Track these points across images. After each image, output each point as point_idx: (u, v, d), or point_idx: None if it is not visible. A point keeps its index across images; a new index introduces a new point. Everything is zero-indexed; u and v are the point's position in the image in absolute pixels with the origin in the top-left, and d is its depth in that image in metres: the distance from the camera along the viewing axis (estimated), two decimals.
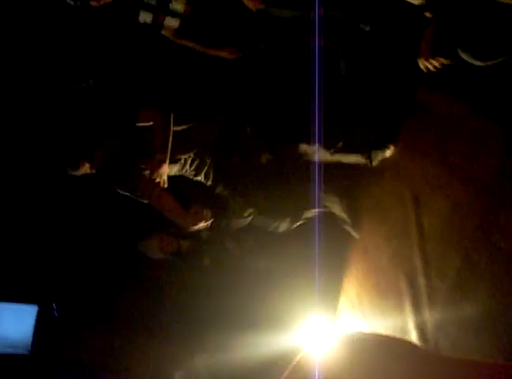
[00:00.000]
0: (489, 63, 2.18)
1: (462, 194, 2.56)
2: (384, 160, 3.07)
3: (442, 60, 2.30)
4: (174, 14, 2.93)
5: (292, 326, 3.52)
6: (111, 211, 3.63)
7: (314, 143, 2.92)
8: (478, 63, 2.20)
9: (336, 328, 3.53)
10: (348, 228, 3.34)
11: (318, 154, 2.99)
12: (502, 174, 2.33)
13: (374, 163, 3.05)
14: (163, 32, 3.00)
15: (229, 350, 3.50)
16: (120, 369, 3.82)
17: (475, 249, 2.46)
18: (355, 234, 3.34)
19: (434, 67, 2.34)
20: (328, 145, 3.02)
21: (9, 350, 3.85)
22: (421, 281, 2.81)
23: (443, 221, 2.68)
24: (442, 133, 2.74)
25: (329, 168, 3.08)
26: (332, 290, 3.54)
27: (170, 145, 2.82)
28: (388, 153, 3.01)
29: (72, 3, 2.77)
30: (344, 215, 3.30)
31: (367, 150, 3.04)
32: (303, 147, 3.05)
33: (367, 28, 3.00)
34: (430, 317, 2.69)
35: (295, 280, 3.60)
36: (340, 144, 3.06)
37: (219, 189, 3.09)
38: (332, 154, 3.07)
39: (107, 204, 3.58)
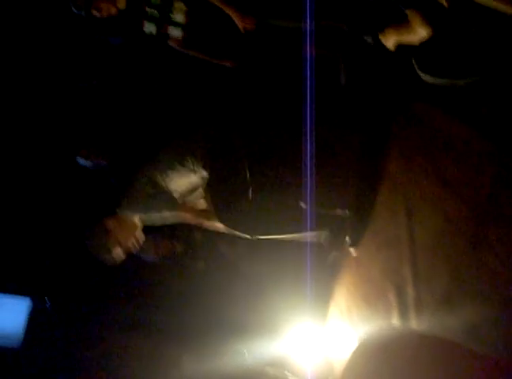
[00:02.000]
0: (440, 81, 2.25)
1: (454, 210, 2.59)
2: (379, 172, 3.09)
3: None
4: (175, 24, 2.99)
5: (281, 332, 3.54)
6: (107, 209, 3.65)
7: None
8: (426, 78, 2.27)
9: (324, 335, 3.56)
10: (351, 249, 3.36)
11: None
12: (494, 192, 2.36)
13: None
14: (169, 43, 3.06)
15: (218, 354, 3.51)
16: (110, 366, 3.83)
17: (463, 265, 2.48)
18: (353, 252, 3.35)
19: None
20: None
21: (0, 342, 3.87)
22: (410, 293, 2.83)
23: (434, 235, 2.70)
24: (438, 148, 2.76)
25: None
26: (322, 299, 3.56)
27: None
28: None
29: (77, 12, 2.81)
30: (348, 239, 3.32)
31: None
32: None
33: (370, 40, 3.03)
34: (416, 328, 2.71)
35: (285, 286, 3.62)
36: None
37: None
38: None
39: (102, 201, 3.59)
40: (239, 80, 3.37)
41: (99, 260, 2.96)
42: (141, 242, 3.00)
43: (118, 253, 2.94)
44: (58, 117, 3.46)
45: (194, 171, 2.97)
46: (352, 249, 3.33)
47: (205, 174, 2.99)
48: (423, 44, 2.29)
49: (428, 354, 1.11)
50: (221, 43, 3.13)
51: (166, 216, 3.02)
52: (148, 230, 3.46)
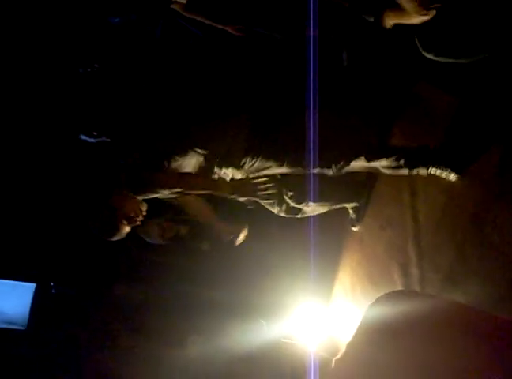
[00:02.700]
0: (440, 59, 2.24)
1: (458, 188, 2.60)
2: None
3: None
4: None
5: (285, 312, 3.58)
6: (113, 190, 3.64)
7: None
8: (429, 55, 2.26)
9: (328, 313, 3.59)
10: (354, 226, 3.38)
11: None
12: (499, 170, 2.37)
13: None
14: (173, 6, 3.01)
15: (222, 335, 3.55)
16: (115, 349, 3.88)
17: (468, 243, 2.50)
18: (355, 229, 3.38)
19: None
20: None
21: (6, 326, 3.92)
22: (414, 272, 2.86)
23: (438, 214, 2.72)
24: (441, 127, 2.76)
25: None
26: (326, 278, 3.59)
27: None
28: None
29: None
30: (353, 215, 3.34)
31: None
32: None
33: (371, 19, 3.00)
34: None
35: (290, 265, 3.65)
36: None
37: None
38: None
39: (108, 185, 3.59)
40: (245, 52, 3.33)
41: (104, 239, 2.96)
42: (145, 212, 3.01)
43: (126, 229, 2.94)
44: (62, 97, 3.43)
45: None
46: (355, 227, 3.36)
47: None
48: (426, 23, 2.27)
49: (436, 322, 1.12)
50: (226, 7, 3.08)
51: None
52: (152, 213, 3.48)
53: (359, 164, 2.84)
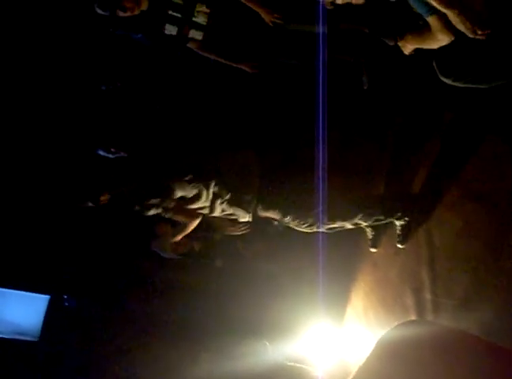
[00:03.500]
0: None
1: (474, 213, 2.59)
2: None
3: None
4: (197, 27, 3.01)
5: (298, 332, 3.55)
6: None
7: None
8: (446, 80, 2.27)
9: (340, 336, 3.56)
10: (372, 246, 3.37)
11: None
12: None
13: None
14: (189, 45, 3.08)
15: (233, 354, 3.53)
16: (125, 362, 3.87)
17: (482, 270, 2.48)
18: (373, 250, 3.36)
19: None
20: None
21: (19, 337, 3.94)
22: (427, 297, 2.83)
23: (453, 239, 2.70)
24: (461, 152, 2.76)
25: None
26: (339, 300, 3.57)
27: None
28: None
29: (101, 12, 2.85)
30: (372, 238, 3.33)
31: None
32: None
33: (392, 43, 3.03)
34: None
35: (302, 286, 3.63)
36: None
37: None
38: None
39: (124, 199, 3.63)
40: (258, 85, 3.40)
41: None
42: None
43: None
44: (81, 113, 3.50)
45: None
46: (372, 249, 3.34)
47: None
48: (444, 47, 2.28)
49: (448, 352, 1.11)
50: (241, 46, 3.14)
51: None
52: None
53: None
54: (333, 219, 2.90)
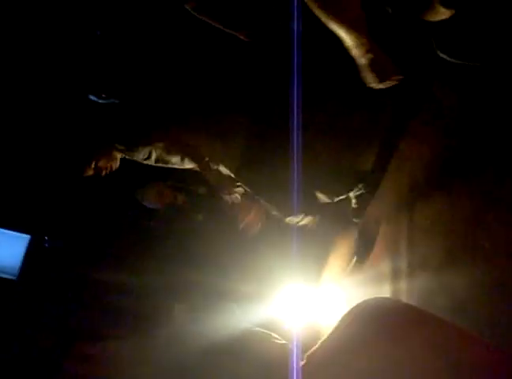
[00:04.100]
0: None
1: (458, 193, 2.62)
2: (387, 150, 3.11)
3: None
4: None
5: (273, 292, 3.61)
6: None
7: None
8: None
9: (315, 298, 3.63)
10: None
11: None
12: (499, 177, 2.38)
13: None
14: (186, 6, 2.99)
15: (208, 307, 3.57)
16: (107, 308, 3.92)
17: (459, 245, 2.54)
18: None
19: None
20: None
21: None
22: (403, 266, 2.90)
23: (434, 214, 2.74)
24: (447, 129, 2.77)
25: None
26: (316, 262, 3.62)
27: None
28: None
29: None
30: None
31: None
32: None
33: (390, 10, 2.98)
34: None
35: (282, 246, 3.67)
36: None
37: None
38: None
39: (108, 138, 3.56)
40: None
41: None
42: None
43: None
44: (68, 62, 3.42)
45: None
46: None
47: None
48: (443, 23, 2.26)
49: (419, 333, 1.14)
50: (238, 11, 3.06)
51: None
52: (152, 178, 3.51)
53: None
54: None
